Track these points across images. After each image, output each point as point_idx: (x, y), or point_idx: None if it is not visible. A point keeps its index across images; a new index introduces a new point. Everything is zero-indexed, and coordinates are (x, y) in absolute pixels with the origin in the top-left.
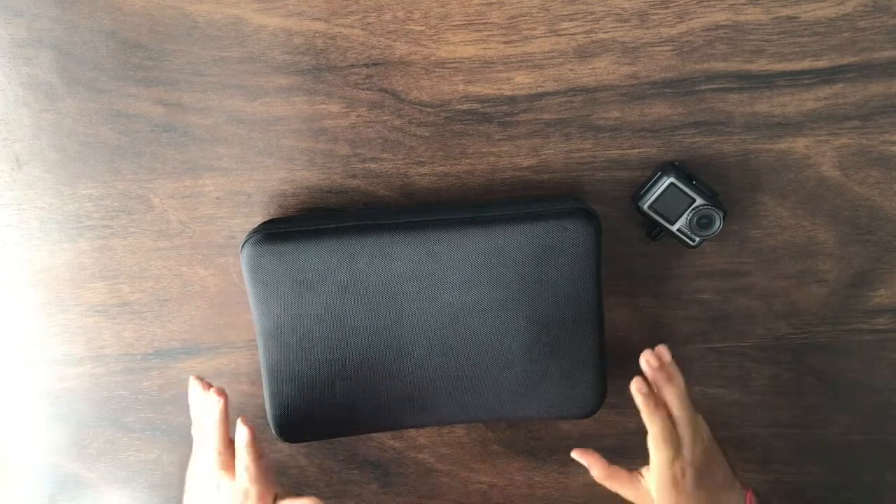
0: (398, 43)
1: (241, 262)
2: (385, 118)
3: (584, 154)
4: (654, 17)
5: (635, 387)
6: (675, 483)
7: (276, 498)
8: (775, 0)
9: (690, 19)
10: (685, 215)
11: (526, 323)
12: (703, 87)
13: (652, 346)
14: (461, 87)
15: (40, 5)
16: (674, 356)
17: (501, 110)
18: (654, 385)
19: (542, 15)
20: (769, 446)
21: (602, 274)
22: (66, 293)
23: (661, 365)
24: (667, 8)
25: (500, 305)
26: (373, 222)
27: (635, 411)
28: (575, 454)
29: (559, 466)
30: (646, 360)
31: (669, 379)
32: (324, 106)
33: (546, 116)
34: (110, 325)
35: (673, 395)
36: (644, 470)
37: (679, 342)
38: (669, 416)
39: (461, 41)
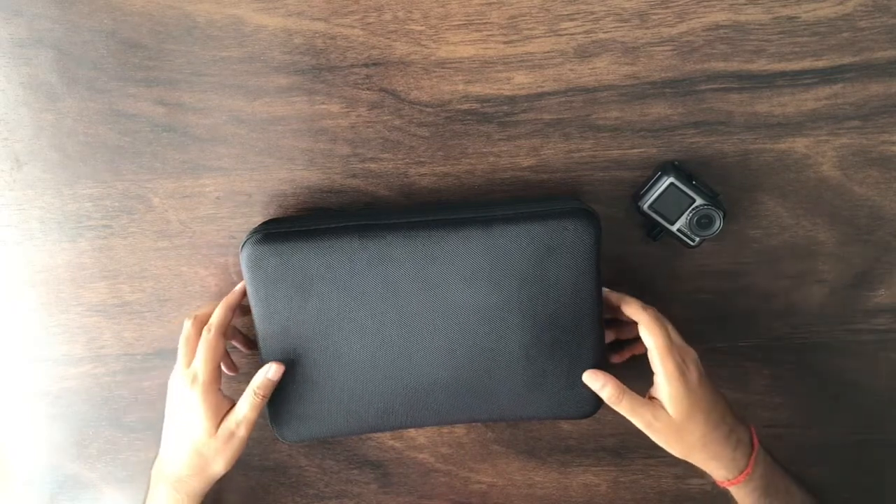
0: (398, 43)
1: (241, 262)
2: (385, 118)
3: (584, 154)
4: (654, 16)
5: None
6: (682, 372)
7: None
8: (775, 0)
9: (690, 19)
10: (685, 215)
11: (526, 323)
12: (703, 87)
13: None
14: (461, 87)
15: (40, 5)
16: None
17: (501, 110)
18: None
19: (542, 15)
20: (769, 446)
21: (602, 274)
22: (66, 293)
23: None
24: (667, 8)
25: (500, 305)
26: (373, 222)
27: None
28: (586, 376)
29: (559, 466)
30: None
31: (624, 304)
32: (324, 106)
33: (546, 116)
34: (110, 325)
35: (633, 304)
36: (651, 390)
37: None
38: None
39: (461, 41)
